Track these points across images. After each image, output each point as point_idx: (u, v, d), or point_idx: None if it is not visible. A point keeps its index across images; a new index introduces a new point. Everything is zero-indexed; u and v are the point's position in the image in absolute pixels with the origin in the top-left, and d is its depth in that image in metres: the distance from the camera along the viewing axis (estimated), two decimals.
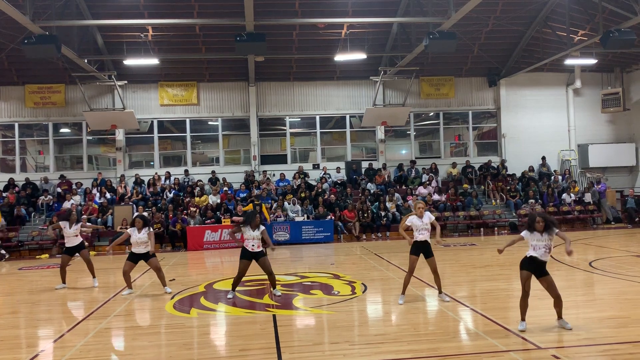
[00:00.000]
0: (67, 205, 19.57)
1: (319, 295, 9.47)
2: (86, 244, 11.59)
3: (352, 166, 22.97)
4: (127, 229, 18.21)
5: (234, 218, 18.88)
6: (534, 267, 6.66)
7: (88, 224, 12.88)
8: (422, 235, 8.34)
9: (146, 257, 9.93)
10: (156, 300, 9.47)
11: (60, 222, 11.16)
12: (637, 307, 7.80)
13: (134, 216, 10.19)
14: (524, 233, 6.84)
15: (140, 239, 9.82)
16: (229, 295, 9.26)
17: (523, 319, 6.75)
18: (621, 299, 8.30)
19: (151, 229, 9.98)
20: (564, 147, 24.16)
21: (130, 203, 20.07)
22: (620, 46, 17.42)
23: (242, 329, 7.39)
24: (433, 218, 8.50)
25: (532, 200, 20.85)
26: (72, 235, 11.03)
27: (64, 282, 11.11)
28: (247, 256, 9.10)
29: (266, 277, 9.45)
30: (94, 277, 11.23)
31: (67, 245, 11.10)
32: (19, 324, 8.48)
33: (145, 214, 15.57)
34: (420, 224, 8.36)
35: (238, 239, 9.64)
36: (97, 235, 18.78)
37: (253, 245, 9.08)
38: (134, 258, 9.97)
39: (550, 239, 6.65)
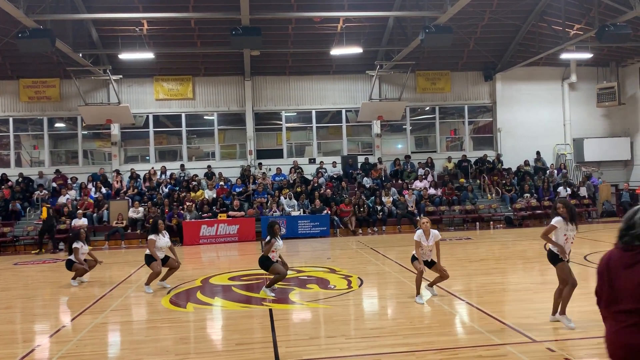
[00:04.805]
0: (62, 200, 19.52)
1: (315, 289, 9.49)
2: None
3: (348, 161, 22.96)
4: (122, 224, 18.38)
5: (230, 213, 18.88)
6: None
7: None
8: (425, 256, 8.18)
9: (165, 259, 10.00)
10: (152, 294, 9.47)
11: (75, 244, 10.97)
12: None
13: (154, 219, 10.22)
14: (557, 221, 6.47)
15: (167, 242, 9.94)
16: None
17: (558, 311, 6.61)
18: None
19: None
20: (559, 141, 24.21)
21: (126, 198, 20.03)
22: (615, 40, 17.45)
23: (238, 323, 7.40)
24: (439, 237, 8.17)
25: (528, 195, 20.92)
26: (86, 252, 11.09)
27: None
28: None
29: (263, 272, 9.44)
30: (74, 278, 10.98)
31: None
32: (14, 319, 8.47)
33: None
34: (426, 244, 8.08)
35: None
36: (93, 230, 18.72)
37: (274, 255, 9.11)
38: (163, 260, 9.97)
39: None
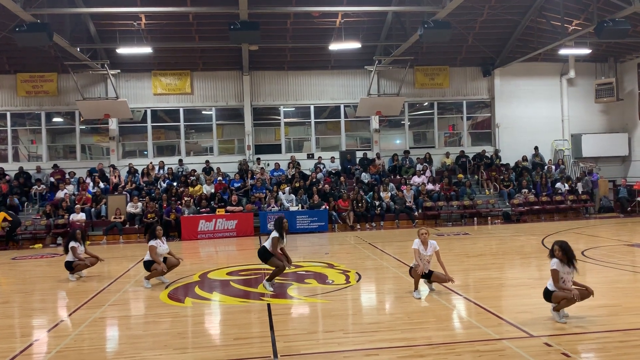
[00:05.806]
0: (60, 195, 19.48)
1: (314, 284, 9.50)
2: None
3: (347, 156, 22.96)
4: (120, 219, 18.37)
5: (228, 208, 18.88)
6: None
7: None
8: (425, 268, 8.18)
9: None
10: (151, 289, 9.48)
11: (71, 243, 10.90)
12: (628, 295, 7.89)
13: (152, 226, 10.30)
14: (556, 265, 6.50)
15: (166, 249, 10.00)
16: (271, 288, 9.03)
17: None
18: (613, 288, 8.39)
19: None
20: (557, 136, 24.23)
21: (124, 193, 20.02)
22: (614, 36, 17.43)
23: (236, 318, 7.42)
24: (437, 248, 8.19)
25: (526, 190, 20.95)
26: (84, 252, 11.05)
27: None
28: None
29: (261, 266, 9.46)
30: (72, 273, 10.94)
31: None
32: (12, 313, 8.47)
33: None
34: (425, 254, 8.12)
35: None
36: (91, 225, 18.72)
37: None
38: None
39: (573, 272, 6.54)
